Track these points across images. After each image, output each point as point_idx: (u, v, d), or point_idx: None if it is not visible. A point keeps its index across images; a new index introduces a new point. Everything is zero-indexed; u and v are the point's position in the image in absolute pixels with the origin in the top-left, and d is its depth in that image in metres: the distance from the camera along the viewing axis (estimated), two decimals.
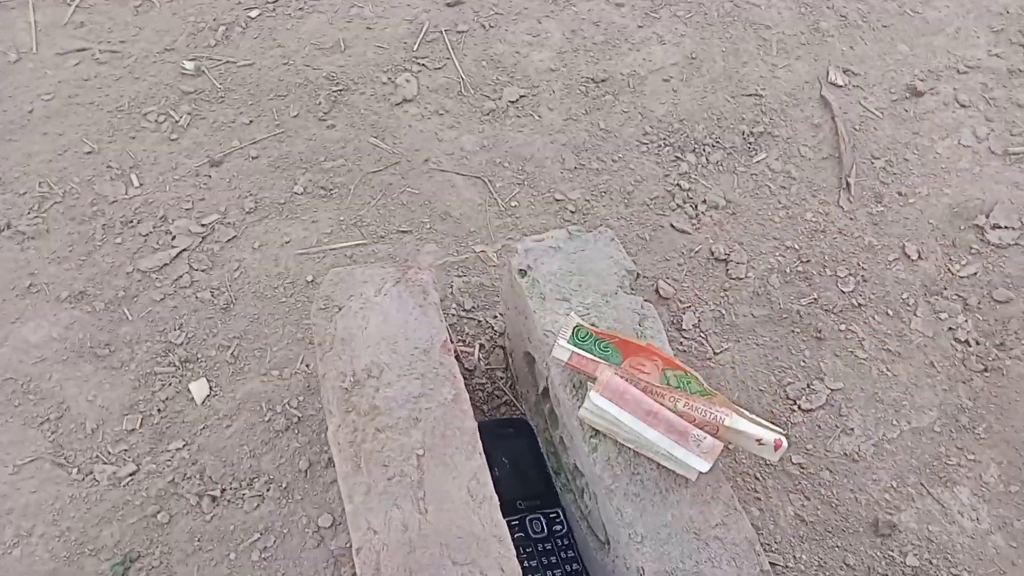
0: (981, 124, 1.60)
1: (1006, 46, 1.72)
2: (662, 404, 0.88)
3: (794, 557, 1.12)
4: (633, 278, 1.06)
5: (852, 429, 1.24)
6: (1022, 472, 1.21)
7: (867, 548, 1.13)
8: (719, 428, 0.88)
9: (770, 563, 1.10)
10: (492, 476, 0.93)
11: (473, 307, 1.30)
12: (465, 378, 1.24)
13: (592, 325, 0.97)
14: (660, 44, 1.65)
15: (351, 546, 0.95)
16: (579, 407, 0.92)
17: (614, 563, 0.94)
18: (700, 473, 0.88)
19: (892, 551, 1.13)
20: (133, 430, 1.16)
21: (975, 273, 1.41)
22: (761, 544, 1.12)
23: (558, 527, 1.05)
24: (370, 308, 1.01)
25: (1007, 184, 1.52)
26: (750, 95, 1.60)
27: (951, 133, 1.59)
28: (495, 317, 1.29)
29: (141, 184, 1.37)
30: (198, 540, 1.08)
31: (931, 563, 1.13)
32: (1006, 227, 1.46)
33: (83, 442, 1.15)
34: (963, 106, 1.62)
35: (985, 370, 1.30)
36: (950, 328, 1.34)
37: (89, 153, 1.40)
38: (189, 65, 1.51)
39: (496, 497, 0.90)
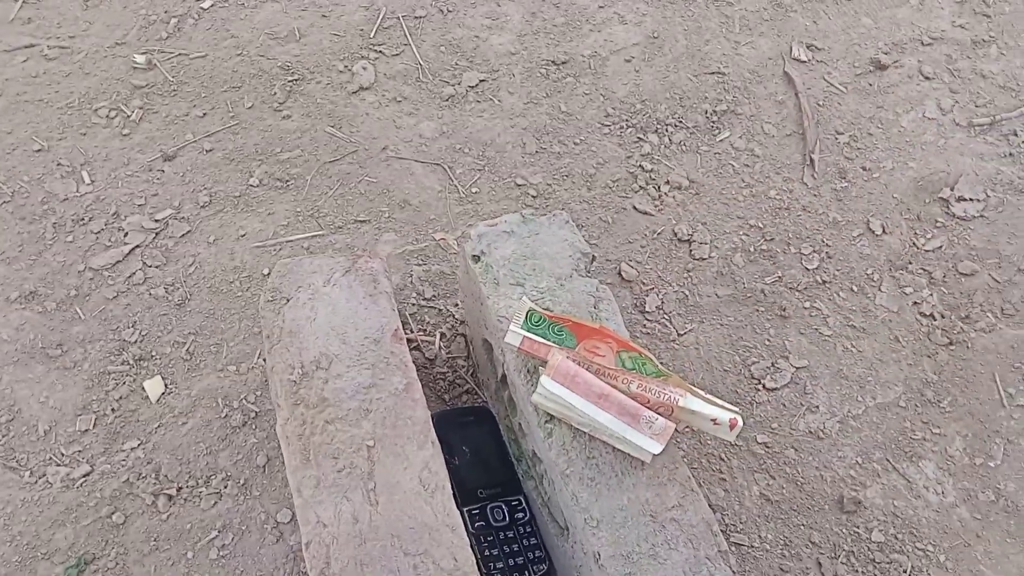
0: (946, 96, 1.59)
1: (970, 16, 1.71)
2: (615, 386, 0.87)
3: (759, 536, 1.11)
4: (589, 261, 1.05)
5: (817, 407, 1.23)
6: (987, 444, 1.21)
7: (832, 525, 1.13)
8: (673, 409, 0.87)
9: (735, 543, 1.10)
10: (453, 465, 0.91)
11: (434, 295, 1.29)
12: (426, 367, 1.22)
13: (546, 309, 0.96)
14: (621, 24, 1.63)
15: (301, 541, 0.94)
16: (532, 392, 0.91)
17: (572, 548, 0.93)
18: (653, 455, 0.86)
19: (858, 527, 1.13)
20: (87, 430, 1.14)
21: (940, 247, 1.40)
22: (726, 524, 1.11)
23: (520, 514, 1.04)
24: (319, 299, 0.99)
25: (972, 156, 1.51)
26: (713, 73, 1.58)
27: (915, 106, 1.58)
28: (456, 305, 1.28)
29: (92, 181, 1.35)
30: (154, 540, 1.07)
31: (896, 538, 1.12)
32: (971, 199, 1.45)
33: (35, 444, 1.13)
34: (927, 78, 1.61)
35: (950, 343, 1.29)
36: (915, 303, 1.33)
37: (39, 151, 1.37)
38: (140, 59, 1.48)
39: (449, 486, 0.89)
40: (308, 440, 0.89)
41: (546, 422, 0.92)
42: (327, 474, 0.87)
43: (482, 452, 1.10)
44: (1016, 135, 1.53)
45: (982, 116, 1.56)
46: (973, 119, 1.56)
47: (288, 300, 0.99)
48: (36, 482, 1.10)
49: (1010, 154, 1.51)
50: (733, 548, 1.09)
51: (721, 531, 0.90)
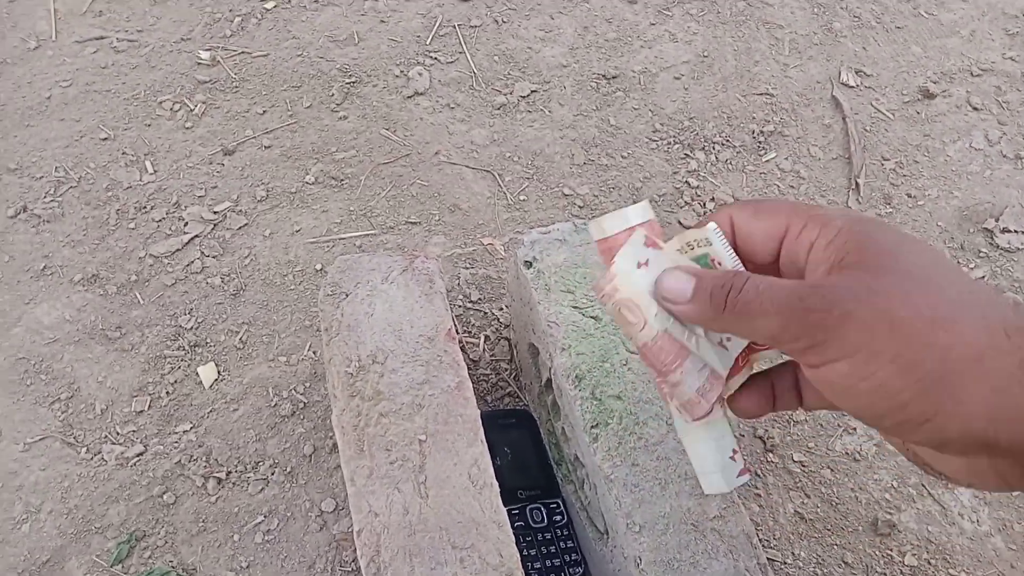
0: (993, 127, 1.60)
1: (1021, 49, 1.71)
2: None
3: (792, 554, 1.12)
4: None
5: (855, 428, 1.24)
6: None
7: (866, 547, 1.14)
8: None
9: (769, 559, 1.11)
10: (494, 465, 0.94)
11: (479, 299, 1.31)
12: (470, 368, 1.25)
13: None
14: (672, 42, 1.66)
15: (352, 529, 0.96)
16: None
17: (612, 552, 0.95)
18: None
19: (891, 550, 1.14)
20: (142, 412, 1.18)
21: (983, 276, 1.40)
22: (760, 539, 1.12)
23: (558, 517, 1.06)
24: (376, 295, 1.02)
25: (1018, 188, 1.51)
26: (761, 94, 1.60)
27: (963, 136, 1.58)
28: (501, 309, 1.30)
29: (155, 171, 1.39)
30: (203, 521, 1.10)
31: (930, 563, 1.13)
32: (1015, 231, 1.45)
33: (92, 422, 1.17)
34: (975, 109, 1.62)
35: None
36: None
37: (105, 139, 1.42)
38: (205, 55, 1.52)
39: (496, 484, 0.91)
40: (363, 431, 0.92)
41: (592, 427, 0.94)
42: (380, 465, 0.90)
43: (522, 454, 1.12)
44: None
45: None
46: (1020, 152, 1.56)
47: (347, 295, 1.02)
48: (92, 459, 1.14)
49: None
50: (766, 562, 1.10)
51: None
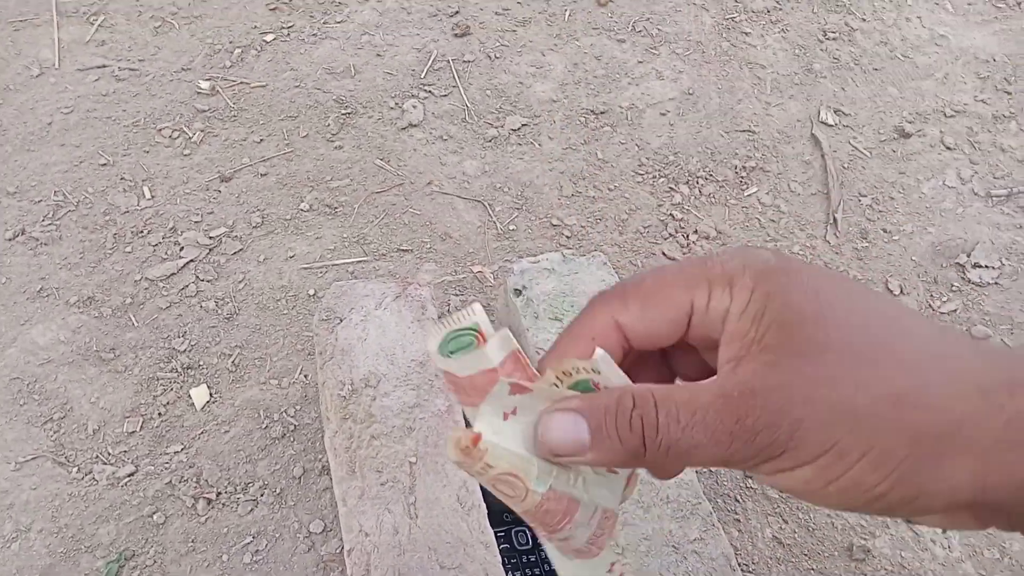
0: (966, 166, 1.66)
1: (991, 92, 1.78)
2: None
3: None
4: None
5: None
6: None
7: (841, 572, 1.17)
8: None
9: None
10: (481, 488, 0.96)
11: None
12: None
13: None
14: (659, 79, 1.71)
15: (342, 548, 0.98)
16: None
17: None
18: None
19: (866, 575, 1.17)
20: (133, 432, 1.19)
21: (955, 310, 1.45)
22: (739, 563, 1.15)
23: None
24: (370, 321, 1.05)
25: (988, 225, 1.57)
26: (743, 131, 1.66)
27: (936, 174, 1.64)
28: None
29: (153, 196, 1.42)
30: (192, 541, 1.11)
31: None
32: (986, 266, 1.51)
33: (84, 442, 1.18)
34: (949, 148, 1.68)
35: None
36: None
37: (104, 165, 1.45)
38: (204, 84, 1.56)
39: (484, 505, 0.94)
40: (355, 453, 0.95)
41: None
42: (371, 486, 0.93)
43: None
44: None
45: (1000, 188, 1.62)
46: (991, 190, 1.62)
47: (341, 320, 1.05)
48: (83, 478, 1.16)
49: None
50: None
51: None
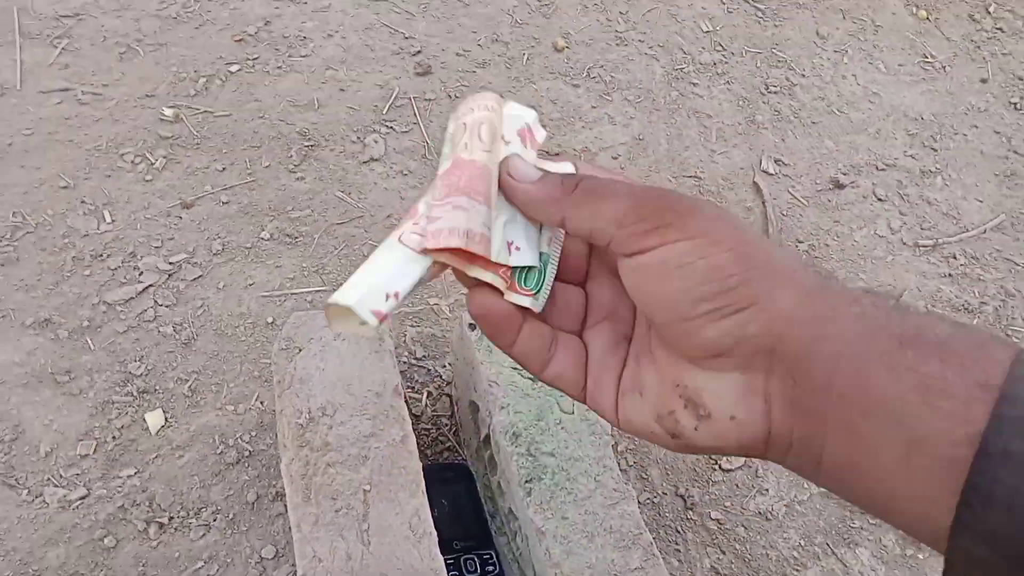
0: (895, 217, 1.77)
1: (919, 148, 1.91)
2: None
3: None
4: None
5: (767, 490, 1.34)
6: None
7: None
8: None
9: None
10: (432, 516, 1.00)
11: (424, 356, 1.39)
12: (412, 422, 1.31)
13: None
14: (611, 124, 1.80)
15: (294, 574, 1.01)
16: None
17: None
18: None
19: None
20: (86, 455, 1.20)
21: None
22: None
23: (491, 567, 1.12)
24: (328, 351, 1.08)
25: (915, 273, 1.68)
26: (690, 176, 1.74)
27: (868, 223, 1.75)
28: (444, 367, 1.38)
29: (113, 220, 1.43)
30: (143, 565, 1.12)
31: None
32: None
33: (36, 464, 1.19)
34: (880, 200, 1.79)
35: None
36: None
37: (64, 188, 1.46)
38: (168, 112, 1.59)
39: (435, 534, 0.98)
40: (310, 480, 0.98)
41: (526, 482, 1.02)
42: (325, 513, 0.96)
43: (459, 506, 1.18)
44: (955, 258, 1.71)
45: (926, 238, 1.74)
46: (919, 240, 1.73)
47: (300, 350, 1.08)
48: (33, 501, 1.16)
49: (949, 275, 1.68)
50: None
51: None
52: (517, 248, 0.42)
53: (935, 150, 1.91)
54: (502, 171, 0.42)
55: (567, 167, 0.43)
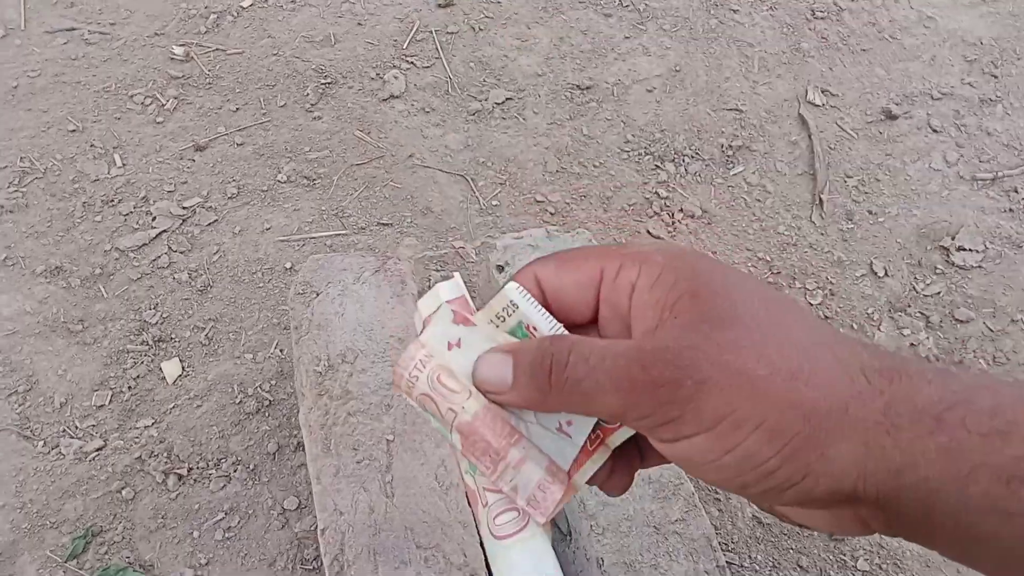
0: (952, 150, 1.65)
1: (978, 76, 1.77)
2: None
3: (750, 557, 1.15)
4: None
5: None
6: None
7: (820, 551, 1.16)
8: None
9: (727, 562, 1.13)
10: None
11: None
12: None
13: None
14: (645, 55, 1.69)
15: (316, 527, 0.96)
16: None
17: (575, 554, 0.96)
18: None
19: (844, 555, 1.16)
20: (102, 406, 1.16)
21: (939, 292, 1.45)
22: (719, 543, 1.14)
23: None
24: (348, 295, 1.02)
25: (973, 209, 1.56)
26: (731, 110, 1.64)
27: (922, 157, 1.63)
28: None
29: (124, 164, 1.38)
30: (162, 517, 1.09)
31: (881, 568, 1.16)
32: (970, 250, 1.50)
33: (51, 416, 1.15)
34: (935, 131, 1.67)
35: None
36: (912, 344, 1.38)
37: (73, 131, 1.40)
38: (178, 50, 1.51)
39: (463, 485, 0.92)
40: (330, 430, 0.92)
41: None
42: (347, 464, 0.90)
43: None
44: (1017, 192, 1.59)
45: (985, 171, 1.62)
46: (977, 173, 1.61)
47: (318, 294, 1.02)
48: (49, 452, 1.12)
49: (1010, 209, 1.57)
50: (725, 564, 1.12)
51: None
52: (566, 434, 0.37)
53: (995, 77, 1.77)
54: (482, 392, 0.37)
55: (514, 295, 0.37)
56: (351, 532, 0.86)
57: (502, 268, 1.07)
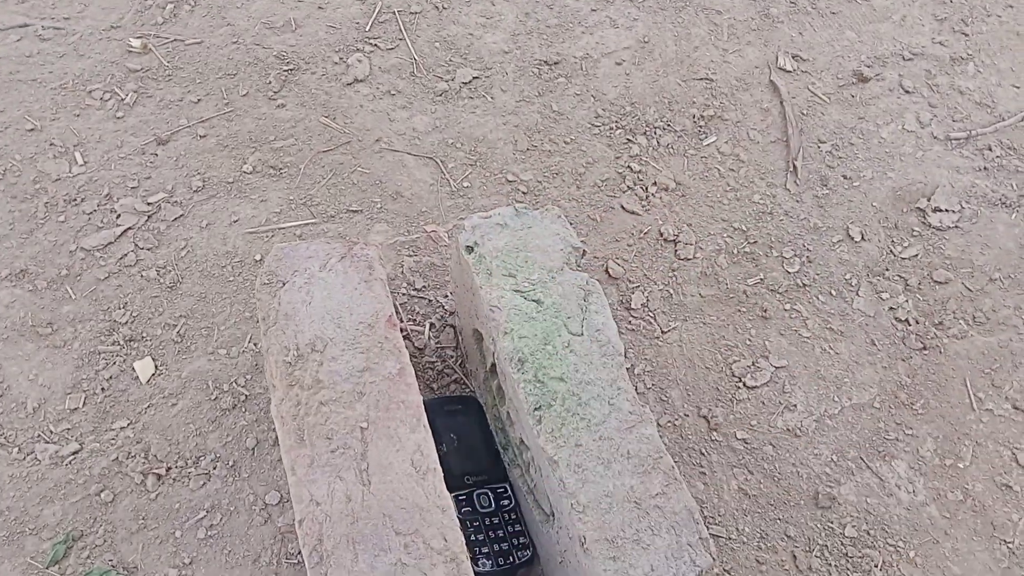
0: (924, 110, 1.64)
1: (949, 34, 1.76)
2: None
3: (737, 529, 1.14)
4: (579, 255, 1.08)
5: (795, 405, 1.27)
6: (956, 446, 1.25)
7: (808, 520, 1.16)
8: None
9: (713, 535, 1.13)
10: (441, 452, 0.93)
11: (424, 286, 1.31)
12: (415, 357, 1.24)
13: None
14: (613, 28, 1.66)
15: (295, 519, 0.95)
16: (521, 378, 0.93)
17: (558, 534, 0.96)
18: None
19: (832, 523, 1.16)
20: (76, 409, 1.14)
21: (916, 255, 1.44)
22: (705, 516, 1.14)
23: (505, 501, 1.06)
24: (314, 283, 1.00)
25: (948, 169, 1.56)
26: (701, 79, 1.62)
27: (895, 118, 1.62)
28: (445, 296, 1.30)
29: (85, 162, 1.35)
30: (143, 518, 1.07)
31: (869, 534, 1.16)
32: (947, 210, 1.50)
33: (24, 421, 1.13)
34: (907, 92, 1.66)
35: (923, 348, 1.34)
36: (891, 308, 1.38)
37: (31, 130, 1.37)
38: (136, 43, 1.48)
39: (440, 469, 0.91)
40: (302, 420, 0.91)
41: (535, 409, 0.94)
42: (321, 454, 0.89)
43: (469, 440, 1.12)
44: (991, 150, 1.59)
45: (959, 131, 1.61)
46: (950, 133, 1.61)
47: (284, 284, 1.00)
48: (24, 459, 1.10)
49: (984, 168, 1.56)
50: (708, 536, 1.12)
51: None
52: None
53: (966, 35, 1.76)
54: None
55: None
56: (328, 522, 0.85)
57: (471, 248, 1.05)
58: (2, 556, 1.04)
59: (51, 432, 1.13)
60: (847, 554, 1.14)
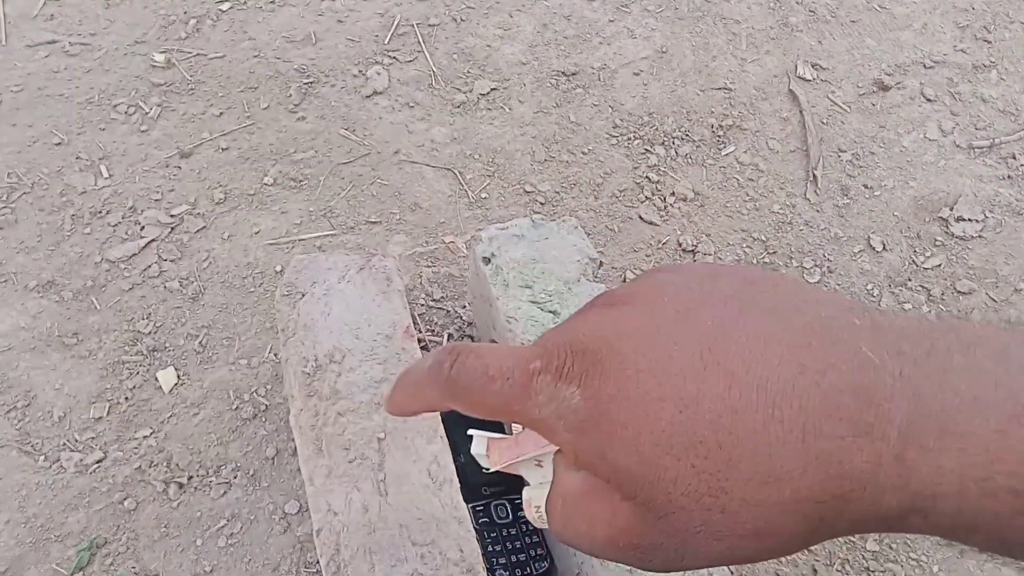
0: (946, 118, 1.63)
1: (971, 41, 1.74)
2: None
3: None
4: (596, 266, 1.08)
5: None
6: None
7: None
8: None
9: None
10: (458, 463, 0.94)
11: (442, 297, 1.31)
12: None
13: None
14: (631, 38, 1.67)
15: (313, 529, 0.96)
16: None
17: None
18: None
19: (853, 536, 1.15)
20: (100, 418, 1.16)
21: (939, 265, 1.43)
22: None
23: (523, 513, 1.06)
24: (333, 294, 1.02)
25: (971, 177, 1.54)
26: (719, 89, 1.62)
27: (917, 127, 1.61)
28: (463, 307, 1.30)
29: (110, 175, 1.37)
30: (165, 526, 1.09)
31: (891, 548, 1.15)
32: (970, 219, 1.48)
33: (50, 430, 1.15)
34: (929, 100, 1.65)
35: None
36: None
37: (58, 144, 1.40)
38: (160, 57, 1.51)
39: (456, 480, 0.91)
40: (320, 431, 0.92)
41: None
42: (338, 464, 0.90)
43: None
44: (1015, 158, 1.57)
45: (982, 139, 1.60)
46: (973, 141, 1.59)
47: (303, 295, 1.01)
48: (50, 466, 1.12)
49: (1008, 177, 1.55)
50: None
51: None
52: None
53: (988, 42, 1.75)
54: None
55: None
56: (346, 532, 0.86)
57: (488, 260, 1.06)
58: (28, 562, 1.05)
59: (76, 440, 1.15)
60: (869, 568, 1.13)
